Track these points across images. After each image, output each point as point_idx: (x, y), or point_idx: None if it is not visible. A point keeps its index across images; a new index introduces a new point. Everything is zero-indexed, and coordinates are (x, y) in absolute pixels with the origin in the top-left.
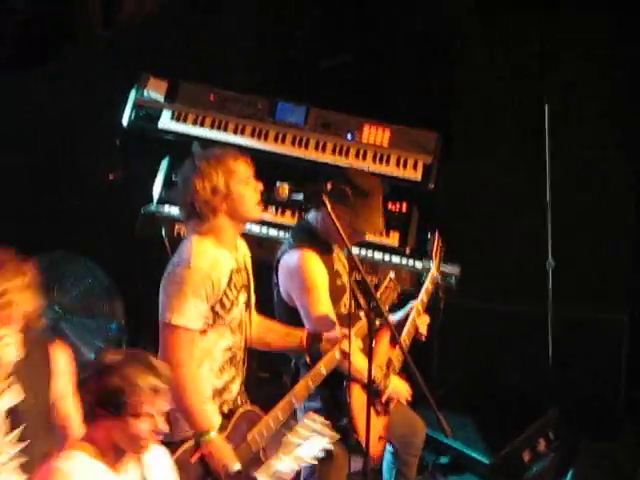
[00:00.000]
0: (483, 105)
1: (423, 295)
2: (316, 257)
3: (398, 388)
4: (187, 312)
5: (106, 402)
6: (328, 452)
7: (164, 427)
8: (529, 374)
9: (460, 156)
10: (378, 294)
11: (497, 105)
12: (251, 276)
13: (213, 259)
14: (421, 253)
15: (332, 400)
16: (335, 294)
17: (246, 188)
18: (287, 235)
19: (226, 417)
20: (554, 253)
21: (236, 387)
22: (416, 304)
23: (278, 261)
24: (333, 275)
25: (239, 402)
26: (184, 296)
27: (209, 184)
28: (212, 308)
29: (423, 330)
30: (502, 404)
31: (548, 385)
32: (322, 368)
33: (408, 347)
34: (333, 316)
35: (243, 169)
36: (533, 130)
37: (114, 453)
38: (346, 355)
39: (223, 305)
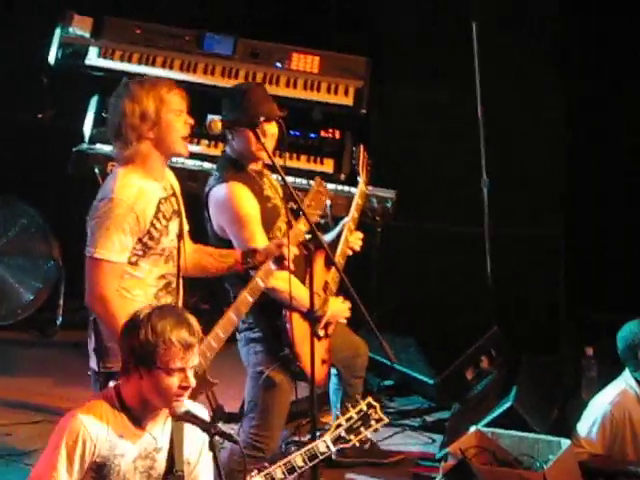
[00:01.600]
0: (410, 27)
1: (353, 211)
2: (243, 187)
3: (337, 310)
4: (110, 245)
5: (138, 356)
6: (271, 381)
7: (193, 382)
8: (469, 293)
9: (390, 80)
10: (308, 201)
11: (424, 26)
12: (181, 203)
13: (138, 191)
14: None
15: (272, 330)
16: (268, 218)
17: (176, 119)
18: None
19: None
20: (488, 172)
21: None
22: (347, 222)
23: (207, 196)
24: (264, 200)
25: None
26: (106, 229)
27: (139, 108)
28: (140, 240)
29: (357, 247)
30: (444, 324)
31: (488, 303)
32: (259, 280)
33: (343, 267)
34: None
35: (176, 100)
36: (462, 49)
37: (143, 408)
38: (284, 263)
39: (151, 236)
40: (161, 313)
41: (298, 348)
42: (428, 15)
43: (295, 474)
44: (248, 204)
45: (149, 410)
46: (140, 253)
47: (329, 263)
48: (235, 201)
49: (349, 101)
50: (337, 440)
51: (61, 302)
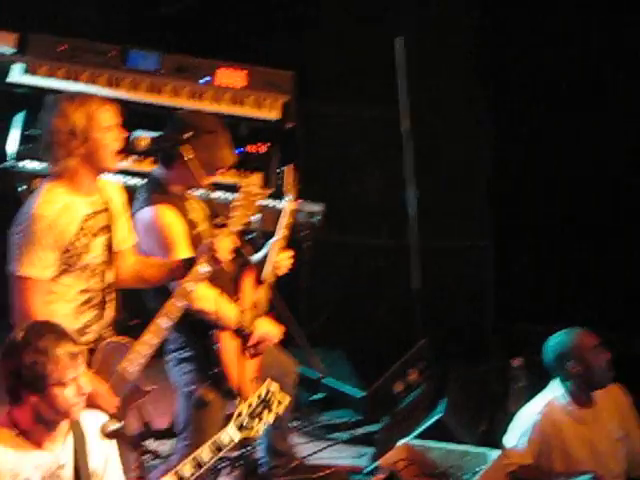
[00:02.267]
0: (338, 43)
1: (282, 230)
2: (170, 210)
3: (267, 330)
4: (34, 262)
5: (28, 381)
6: (203, 400)
7: (87, 386)
8: (398, 306)
9: (317, 94)
10: (238, 202)
11: (351, 43)
12: (115, 217)
13: (62, 207)
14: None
15: (202, 349)
16: (193, 244)
17: (106, 136)
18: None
19: (91, 354)
20: (417, 185)
21: (97, 328)
22: (276, 240)
23: (132, 218)
24: (189, 225)
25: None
26: (31, 246)
27: (68, 125)
28: (62, 255)
29: (285, 265)
30: (373, 337)
31: (416, 316)
32: (187, 285)
33: (273, 285)
34: None
35: (106, 116)
36: (388, 65)
37: (41, 429)
38: (216, 261)
39: (73, 252)
40: (38, 332)
41: (228, 367)
42: (353, 30)
43: (204, 468)
44: (176, 227)
45: (47, 429)
46: (62, 268)
47: (258, 282)
48: (162, 224)
49: (275, 115)
50: (241, 428)
51: None
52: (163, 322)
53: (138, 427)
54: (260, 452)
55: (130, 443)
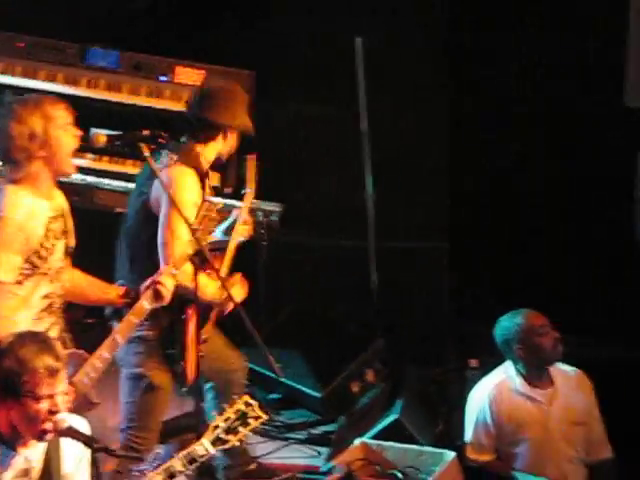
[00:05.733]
0: (295, 43)
1: (242, 214)
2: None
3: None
4: (1, 265)
5: (4, 386)
6: (152, 383)
7: (63, 407)
8: (355, 307)
9: (276, 94)
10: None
11: (309, 42)
12: (69, 223)
13: (29, 209)
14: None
15: (168, 326)
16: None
17: (64, 134)
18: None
19: None
20: (374, 185)
21: (54, 334)
22: (236, 225)
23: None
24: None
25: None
26: None
27: (26, 129)
28: (28, 259)
29: (245, 232)
30: (330, 337)
31: (375, 316)
32: (144, 303)
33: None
34: None
35: (62, 115)
36: (346, 64)
37: (14, 434)
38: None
39: (40, 255)
40: (23, 340)
41: (187, 349)
42: (315, 28)
43: (176, 479)
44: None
45: (20, 436)
46: (27, 272)
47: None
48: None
49: None
50: (216, 441)
51: None
52: (117, 338)
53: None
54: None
55: (84, 442)
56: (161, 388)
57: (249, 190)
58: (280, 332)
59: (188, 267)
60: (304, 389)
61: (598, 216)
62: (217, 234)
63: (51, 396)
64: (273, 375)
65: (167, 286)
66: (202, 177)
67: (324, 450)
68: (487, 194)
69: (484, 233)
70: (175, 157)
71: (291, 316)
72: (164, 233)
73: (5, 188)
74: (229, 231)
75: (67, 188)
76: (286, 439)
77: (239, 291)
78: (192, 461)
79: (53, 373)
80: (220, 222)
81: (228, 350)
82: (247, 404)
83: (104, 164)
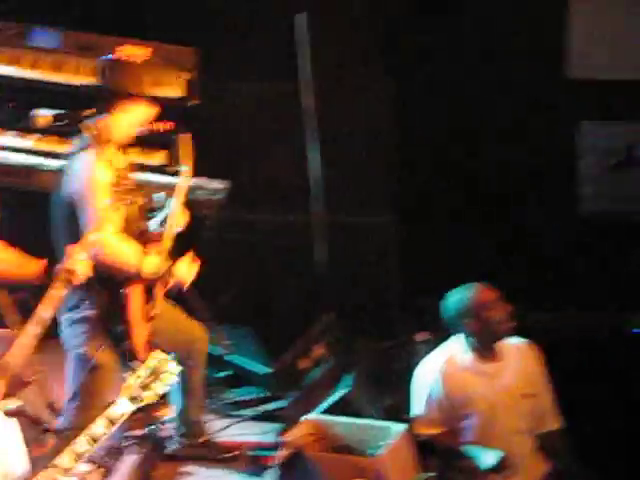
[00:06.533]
0: (238, 20)
1: (180, 197)
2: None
3: (184, 273)
4: None
5: None
6: (96, 362)
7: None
8: (305, 282)
9: (220, 72)
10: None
11: (252, 19)
12: None
13: None
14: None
15: (109, 305)
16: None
17: None
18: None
19: None
20: (321, 160)
21: None
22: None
23: None
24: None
25: None
26: None
27: None
28: None
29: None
30: (279, 313)
31: (323, 291)
32: (42, 309)
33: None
34: None
35: None
36: (290, 41)
37: None
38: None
39: None
40: None
41: (132, 326)
42: (257, 8)
43: (99, 441)
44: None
45: None
46: None
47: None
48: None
49: (179, 92)
50: (133, 399)
51: None
52: (44, 313)
53: (41, 406)
54: (169, 430)
55: (32, 421)
56: (106, 367)
57: (185, 168)
58: (229, 310)
59: (129, 245)
60: (253, 366)
61: (546, 188)
62: (153, 226)
63: None
64: (221, 352)
65: (77, 272)
66: (117, 149)
67: (274, 427)
68: (438, 165)
69: (434, 208)
70: (91, 133)
71: (239, 293)
72: (83, 217)
73: None
74: (164, 222)
75: (9, 169)
76: (236, 416)
77: (189, 270)
78: (113, 421)
79: None
80: (150, 205)
81: (187, 321)
82: (158, 359)
83: (47, 144)
